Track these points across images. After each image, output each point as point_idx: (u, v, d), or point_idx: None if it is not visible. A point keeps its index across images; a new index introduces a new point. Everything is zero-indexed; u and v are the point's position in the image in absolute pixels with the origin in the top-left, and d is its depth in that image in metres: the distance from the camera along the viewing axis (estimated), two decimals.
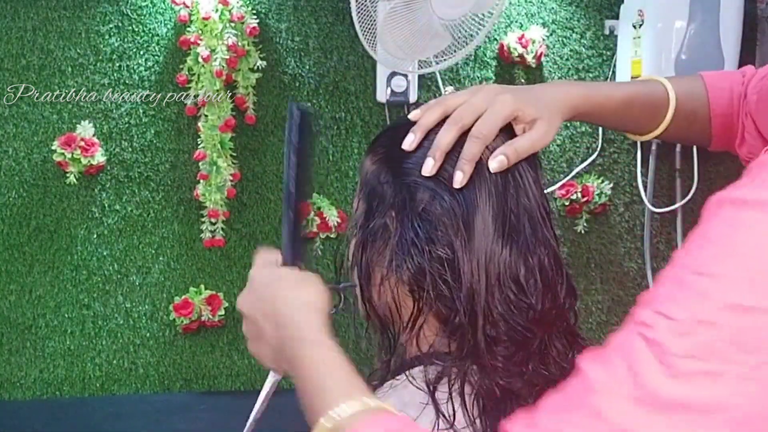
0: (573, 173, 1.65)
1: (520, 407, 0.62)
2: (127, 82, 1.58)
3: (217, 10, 1.49)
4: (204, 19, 1.48)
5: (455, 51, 1.30)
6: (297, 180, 0.70)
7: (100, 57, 1.57)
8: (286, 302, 0.65)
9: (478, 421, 0.64)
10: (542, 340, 0.68)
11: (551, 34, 1.64)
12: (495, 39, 1.63)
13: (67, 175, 1.54)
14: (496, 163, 0.67)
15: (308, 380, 0.60)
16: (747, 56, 1.56)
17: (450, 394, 0.64)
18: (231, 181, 1.55)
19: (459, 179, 0.66)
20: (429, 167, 0.67)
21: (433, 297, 0.67)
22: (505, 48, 1.61)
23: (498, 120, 0.68)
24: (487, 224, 0.66)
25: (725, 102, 0.85)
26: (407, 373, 0.67)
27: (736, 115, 0.85)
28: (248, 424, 0.69)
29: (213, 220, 1.57)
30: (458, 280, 0.65)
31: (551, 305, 0.68)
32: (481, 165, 0.67)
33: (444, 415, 0.63)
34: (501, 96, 0.69)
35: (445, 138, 0.67)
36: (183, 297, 1.60)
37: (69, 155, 1.53)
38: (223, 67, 1.48)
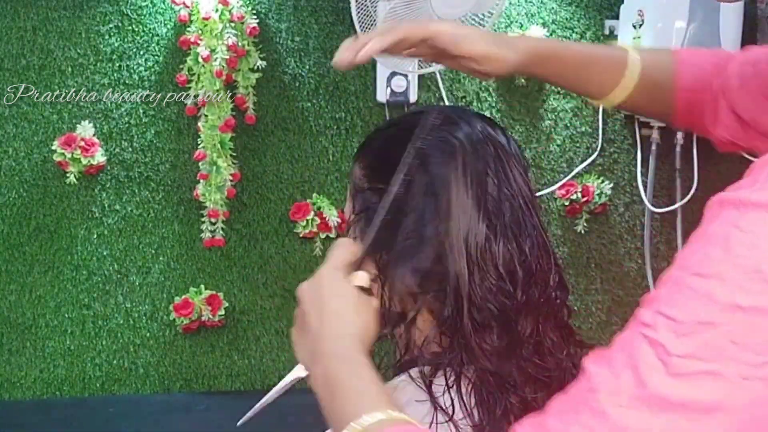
0: (573, 173, 1.65)
1: (516, 397, 0.64)
2: (127, 82, 1.58)
3: (217, 10, 1.48)
4: (204, 19, 1.48)
5: None
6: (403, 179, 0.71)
7: (100, 57, 1.57)
8: (337, 323, 0.65)
9: (475, 411, 0.65)
10: (535, 330, 0.70)
11: (551, 34, 1.64)
12: None
13: (67, 175, 1.54)
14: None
15: (340, 388, 0.61)
16: None
17: (447, 385, 0.66)
18: (231, 181, 1.55)
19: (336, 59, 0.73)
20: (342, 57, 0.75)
21: None
22: None
23: (414, 31, 0.76)
24: (466, 207, 0.68)
25: (693, 77, 0.84)
26: (408, 373, 0.68)
27: (706, 92, 0.83)
28: (255, 406, 0.70)
29: (213, 220, 1.57)
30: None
31: (540, 293, 0.70)
32: (454, 150, 0.70)
33: (441, 408, 0.65)
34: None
35: (376, 44, 0.74)
36: (183, 297, 1.60)
37: (69, 155, 1.53)
38: (223, 67, 1.48)
